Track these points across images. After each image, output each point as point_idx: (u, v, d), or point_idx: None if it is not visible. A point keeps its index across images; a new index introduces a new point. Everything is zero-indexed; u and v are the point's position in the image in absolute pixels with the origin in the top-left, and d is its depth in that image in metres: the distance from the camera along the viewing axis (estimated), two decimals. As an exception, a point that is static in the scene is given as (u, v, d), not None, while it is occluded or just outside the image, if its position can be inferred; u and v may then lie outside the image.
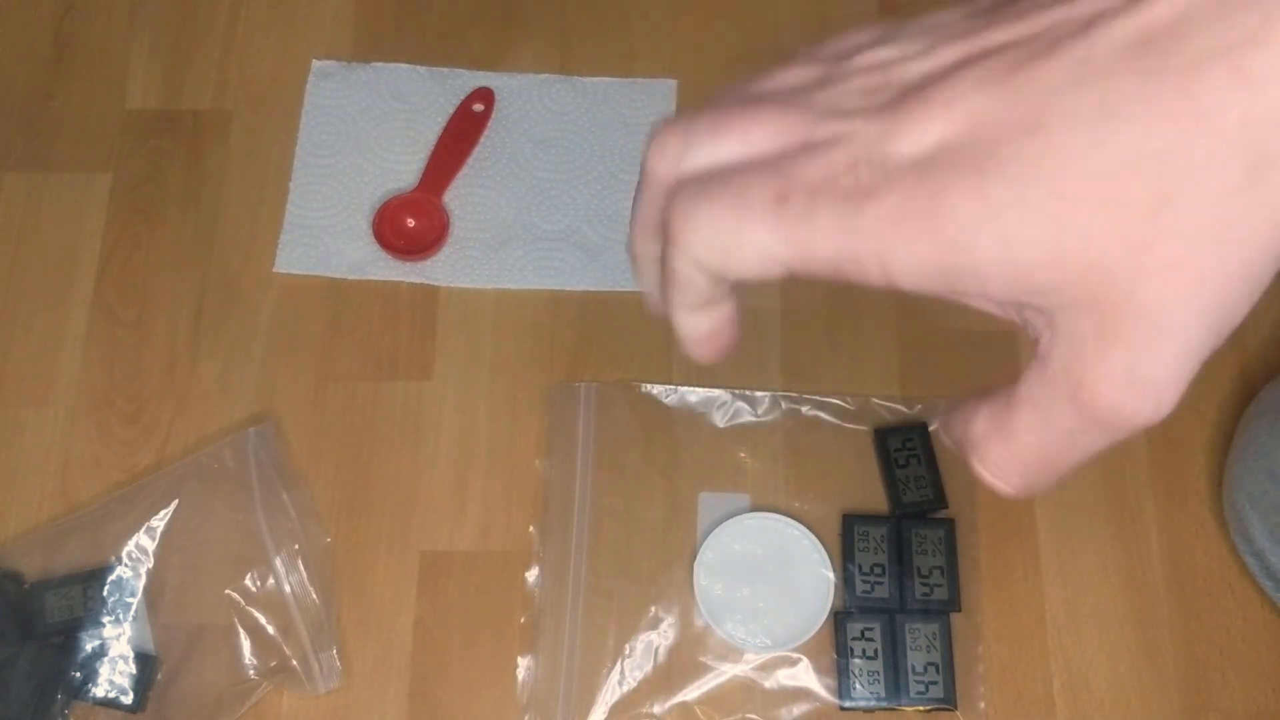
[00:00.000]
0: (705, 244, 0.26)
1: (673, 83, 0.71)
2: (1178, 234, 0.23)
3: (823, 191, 0.25)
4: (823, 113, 0.26)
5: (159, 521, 0.59)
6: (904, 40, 0.26)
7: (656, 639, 0.59)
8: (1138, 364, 0.24)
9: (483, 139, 0.69)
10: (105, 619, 0.58)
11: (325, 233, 0.67)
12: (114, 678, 0.57)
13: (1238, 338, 0.64)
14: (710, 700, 0.58)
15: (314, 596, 0.59)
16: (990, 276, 0.24)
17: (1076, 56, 0.24)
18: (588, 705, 0.58)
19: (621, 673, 0.58)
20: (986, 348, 0.64)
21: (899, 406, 0.63)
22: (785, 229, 0.25)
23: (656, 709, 0.58)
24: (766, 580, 0.59)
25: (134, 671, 0.57)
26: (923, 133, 0.24)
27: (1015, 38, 0.25)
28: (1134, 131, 0.23)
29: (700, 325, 0.30)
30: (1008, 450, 0.26)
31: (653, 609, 0.60)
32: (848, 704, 0.58)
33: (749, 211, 0.25)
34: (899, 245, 0.24)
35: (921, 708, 0.57)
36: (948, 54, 0.25)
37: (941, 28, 0.26)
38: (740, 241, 0.26)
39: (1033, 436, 0.26)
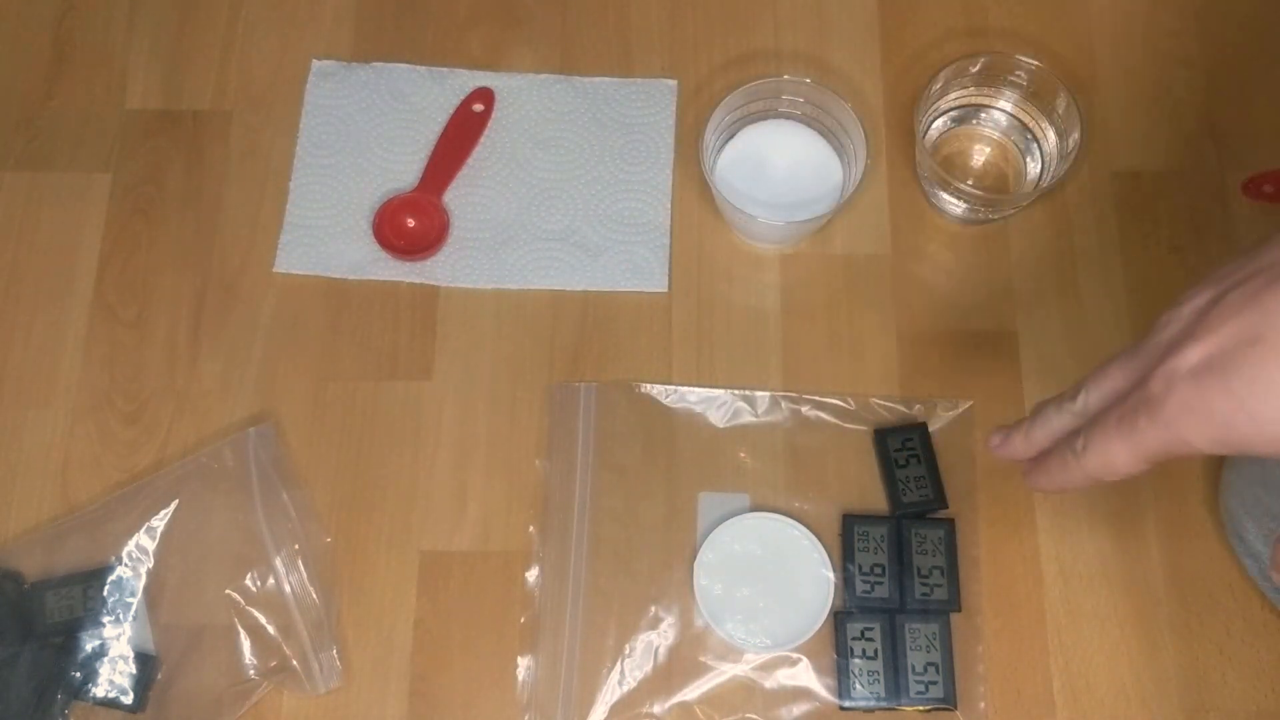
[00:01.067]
0: (1094, 469, 0.42)
1: (673, 83, 0.71)
2: None
3: (1141, 406, 0.39)
4: (1145, 355, 0.40)
5: (159, 521, 0.59)
6: (1190, 290, 0.40)
7: (656, 639, 0.59)
8: None
9: (483, 139, 0.69)
10: (105, 619, 0.58)
11: (325, 233, 0.67)
12: (114, 678, 0.57)
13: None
14: (710, 700, 0.58)
15: (314, 596, 0.59)
16: (1260, 444, 0.36)
17: None
18: (588, 705, 0.58)
19: (621, 673, 0.58)
20: (986, 348, 0.64)
21: (899, 406, 0.63)
22: (1127, 440, 0.40)
23: (656, 709, 0.58)
24: (766, 580, 0.59)
25: (134, 671, 0.57)
26: (1191, 354, 0.38)
27: (1247, 275, 0.37)
28: None
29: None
30: None
31: (653, 609, 0.60)
32: (848, 704, 0.58)
33: (1109, 441, 0.41)
34: (1191, 432, 0.37)
35: (921, 708, 0.57)
36: (1206, 295, 0.39)
37: (1210, 276, 0.39)
38: (1112, 460, 0.41)
39: None
